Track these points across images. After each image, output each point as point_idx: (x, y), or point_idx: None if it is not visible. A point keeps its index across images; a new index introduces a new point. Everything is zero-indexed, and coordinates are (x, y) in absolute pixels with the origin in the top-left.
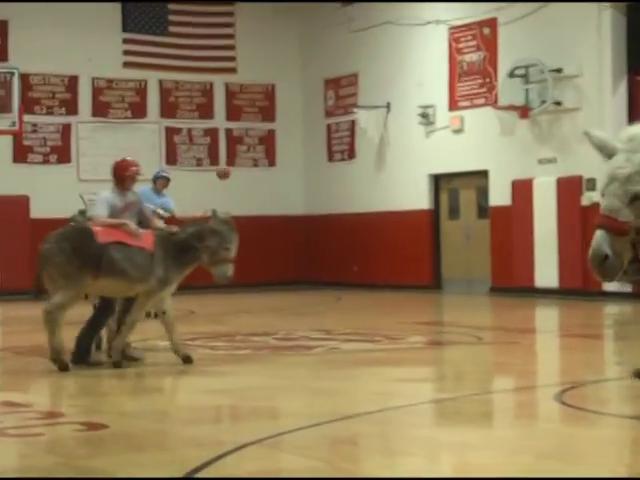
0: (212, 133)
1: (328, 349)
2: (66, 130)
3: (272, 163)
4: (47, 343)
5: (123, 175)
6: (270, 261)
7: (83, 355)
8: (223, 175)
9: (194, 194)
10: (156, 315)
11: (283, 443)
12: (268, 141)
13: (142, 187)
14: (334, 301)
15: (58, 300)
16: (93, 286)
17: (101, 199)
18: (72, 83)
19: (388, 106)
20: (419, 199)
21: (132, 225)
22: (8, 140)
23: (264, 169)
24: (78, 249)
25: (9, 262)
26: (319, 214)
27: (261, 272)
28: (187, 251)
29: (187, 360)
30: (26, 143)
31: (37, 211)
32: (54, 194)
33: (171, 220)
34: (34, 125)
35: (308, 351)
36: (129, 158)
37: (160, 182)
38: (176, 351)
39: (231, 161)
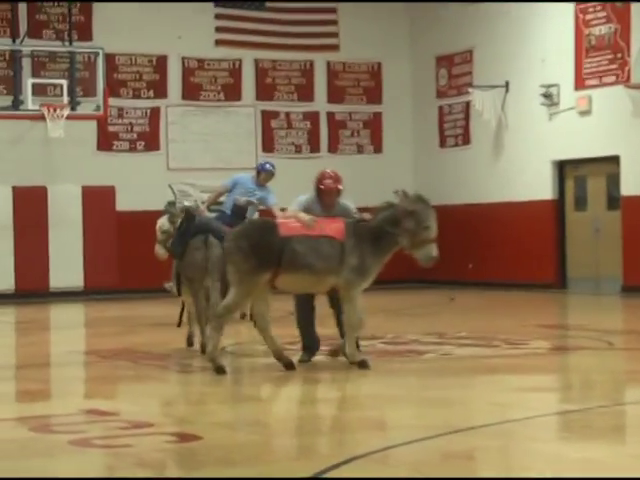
0: (312, 117)
1: (441, 354)
2: (154, 115)
3: (378, 149)
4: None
5: (318, 188)
6: None
7: (312, 351)
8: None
9: (292, 184)
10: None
11: (392, 457)
12: (374, 125)
13: (242, 174)
14: (447, 301)
15: (229, 301)
16: (276, 282)
17: (297, 201)
18: (160, 63)
19: (506, 85)
20: (541, 188)
21: (304, 215)
22: (92, 126)
23: (369, 156)
24: (257, 246)
25: (94, 259)
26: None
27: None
28: (382, 237)
29: (363, 365)
30: (111, 129)
31: (123, 203)
32: (141, 184)
33: (266, 214)
34: (120, 109)
35: (419, 356)
36: (329, 170)
37: (264, 176)
38: (350, 355)
39: (333, 147)
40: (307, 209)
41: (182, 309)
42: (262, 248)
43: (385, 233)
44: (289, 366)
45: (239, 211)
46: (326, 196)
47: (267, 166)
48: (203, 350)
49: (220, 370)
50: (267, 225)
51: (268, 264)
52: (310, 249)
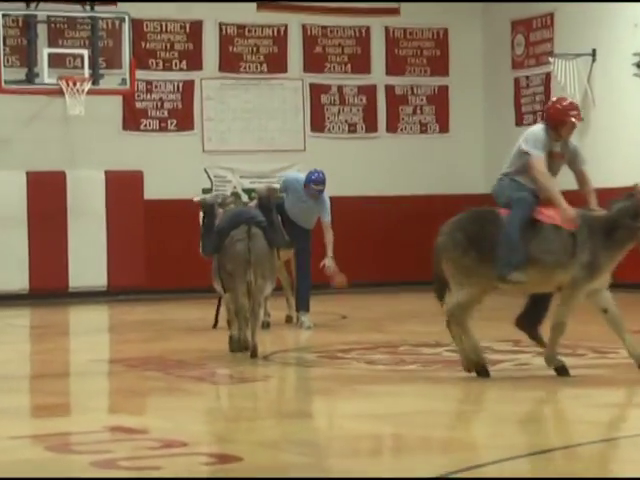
0: (368, 91)
1: (517, 364)
2: (187, 89)
3: (444, 128)
4: (460, 353)
5: (561, 120)
6: None
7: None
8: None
9: (346, 167)
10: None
11: None
12: (439, 101)
13: (292, 175)
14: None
15: (457, 299)
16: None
17: (534, 135)
18: (194, 30)
19: (593, 54)
20: (634, 173)
21: (570, 209)
22: (117, 102)
23: (434, 136)
24: (476, 238)
25: (119, 255)
26: None
27: (429, 267)
28: (617, 231)
29: (562, 371)
30: (139, 106)
31: (152, 190)
32: (173, 169)
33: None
34: (148, 83)
35: (492, 367)
36: (569, 99)
37: (311, 192)
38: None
39: (392, 126)
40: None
41: (218, 308)
42: (482, 239)
43: (621, 226)
44: (482, 372)
45: (264, 203)
46: (567, 131)
47: (314, 177)
48: (245, 347)
49: (484, 372)
50: (488, 215)
51: (490, 257)
52: (541, 240)
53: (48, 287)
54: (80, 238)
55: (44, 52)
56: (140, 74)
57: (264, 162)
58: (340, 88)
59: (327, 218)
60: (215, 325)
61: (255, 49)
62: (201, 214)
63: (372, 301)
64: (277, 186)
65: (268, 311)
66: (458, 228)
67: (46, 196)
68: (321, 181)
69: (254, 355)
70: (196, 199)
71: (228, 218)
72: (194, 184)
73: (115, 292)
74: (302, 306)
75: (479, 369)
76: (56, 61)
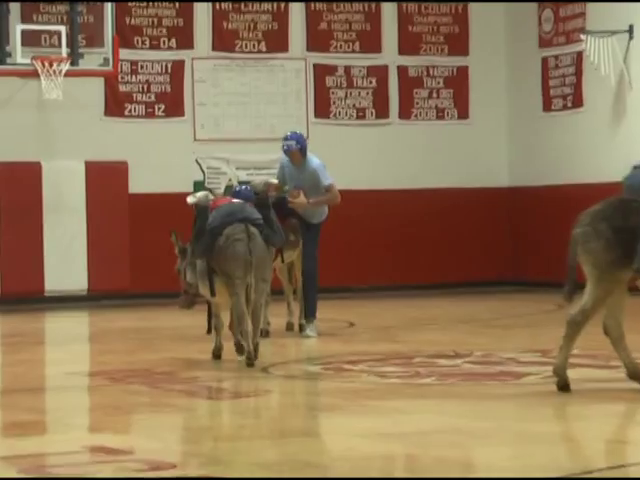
0: (379, 72)
1: (544, 377)
2: (177, 70)
3: (463, 114)
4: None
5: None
6: (459, 253)
7: None
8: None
9: (353, 158)
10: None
11: None
12: (458, 83)
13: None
14: (552, 309)
15: (586, 303)
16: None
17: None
18: (185, 5)
19: (630, 31)
20: None
21: None
22: (98, 85)
23: (452, 123)
24: (620, 230)
25: (101, 255)
26: (530, 186)
27: (447, 268)
28: None
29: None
30: (123, 89)
31: (138, 184)
32: (161, 160)
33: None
34: (133, 64)
35: (516, 380)
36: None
37: (291, 158)
38: None
39: (406, 111)
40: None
41: (210, 313)
42: (627, 234)
43: None
44: (565, 388)
45: (261, 199)
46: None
47: (285, 146)
48: (249, 358)
49: (566, 387)
50: (633, 204)
51: (632, 251)
52: None
53: (21, 291)
54: (57, 236)
55: (17, 29)
56: (124, 53)
57: (262, 152)
58: (347, 69)
59: (326, 182)
60: (209, 331)
61: (252, 25)
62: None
63: (383, 307)
64: (275, 180)
65: (268, 319)
66: (602, 218)
67: (19, 190)
68: (293, 137)
69: (254, 359)
70: (190, 200)
71: (220, 216)
72: (184, 176)
73: (96, 297)
74: (309, 312)
75: (562, 385)
76: (30, 39)
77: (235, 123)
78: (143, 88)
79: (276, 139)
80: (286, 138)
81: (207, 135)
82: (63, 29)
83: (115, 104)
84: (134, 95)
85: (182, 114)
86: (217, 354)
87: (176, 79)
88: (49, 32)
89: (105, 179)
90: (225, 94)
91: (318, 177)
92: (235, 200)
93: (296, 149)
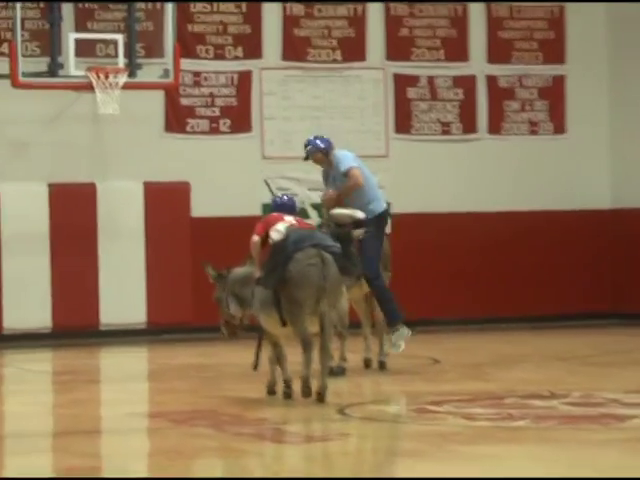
0: (466, 82)
1: None
2: (244, 82)
3: (560, 128)
4: None
5: None
6: (554, 283)
7: None
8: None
9: (437, 177)
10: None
11: None
12: (554, 94)
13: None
14: None
15: None
16: None
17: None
18: (253, 10)
19: None
20: None
21: None
22: (158, 98)
23: (547, 138)
24: None
25: (161, 285)
26: (635, 208)
27: (540, 300)
28: None
29: None
30: (184, 103)
31: (201, 206)
32: (226, 180)
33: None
34: (196, 75)
35: (619, 423)
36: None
37: (316, 160)
38: None
39: (495, 126)
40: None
41: (260, 345)
42: None
43: None
44: None
45: (344, 236)
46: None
47: (305, 154)
48: (321, 398)
49: None
50: None
51: None
52: None
53: (75, 324)
54: (113, 264)
55: (70, 38)
56: (186, 64)
57: None
58: (431, 79)
59: (343, 168)
60: (256, 366)
61: (326, 32)
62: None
63: (470, 342)
64: (361, 215)
65: (344, 354)
66: None
67: (72, 213)
68: (305, 144)
69: (322, 399)
70: (275, 236)
71: (290, 243)
72: (252, 198)
73: (156, 330)
74: (392, 318)
75: None
76: (84, 49)
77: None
78: (207, 101)
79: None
80: (305, 145)
81: (276, 153)
82: (120, 38)
83: (176, 119)
84: (197, 109)
85: (249, 130)
86: (271, 390)
87: (243, 91)
88: (105, 41)
89: (165, 201)
90: (296, 107)
91: (339, 166)
92: (286, 217)
93: (315, 152)
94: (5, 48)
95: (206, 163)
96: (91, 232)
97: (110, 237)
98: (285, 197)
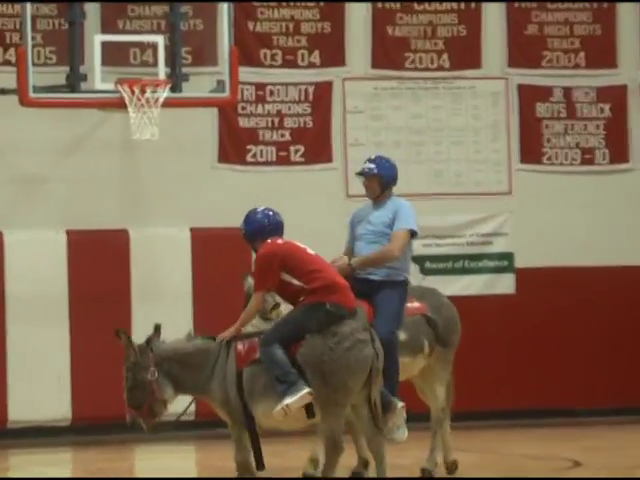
0: (614, 95)
1: None
2: (322, 96)
3: None
4: None
5: None
6: None
7: None
8: None
9: (575, 217)
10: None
11: None
12: None
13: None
14: None
15: None
16: None
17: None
18: (333, 4)
19: None
20: None
21: None
22: (209, 119)
23: None
24: None
25: None
26: None
27: None
28: None
29: None
30: (244, 124)
31: None
32: (299, 223)
33: None
34: (259, 88)
35: None
36: None
37: (368, 183)
38: None
39: None
40: None
41: (256, 441)
42: None
43: None
44: None
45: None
46: None
47: (364, 168)
48: None
49: None
50: None
51: None
52: None
53: (102, 415)
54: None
55: (95, 41)
56: (246, 73)
57: (444, 212)
58: (567, 92)
59: (404, 224)
60: (263, 465)
61: (430, 31)
62: None
63: (620, 437)
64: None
65: (435, 458)
66: None
67: (99, 268)
68: (372, 159)
69: None
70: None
71: (320, 319)
72: (333, 247)
73: (205, 423)
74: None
75: None
76: (114, 55)
77: (405, 171)
78: (273, 122)
79: (464, 194)
80: (369, 159)
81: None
82: (160, 40)
83: (233, 146)
84: (260, 133)
85: (329, 159)
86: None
87: (320, 109)
88: (140, 45)
89: (219, 253)
90: (390, 130)
91: (397, 217)
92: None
93: (375, 175)
94: (12, 55)
95: (272, 202)
96: (123, 294)
97: (148, 299)
98: (270, 210)
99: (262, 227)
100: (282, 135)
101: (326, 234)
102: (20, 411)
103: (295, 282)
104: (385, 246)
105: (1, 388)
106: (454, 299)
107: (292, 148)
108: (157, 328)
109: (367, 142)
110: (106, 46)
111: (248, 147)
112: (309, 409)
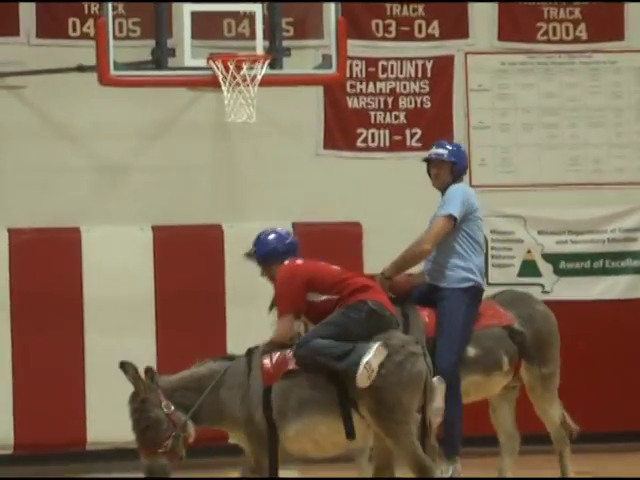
0: None
1: None
2: (442, 73)
3: None
4: None
5: None
6: None
7: None
8: None
9: None
10: None
11: None
12: None
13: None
14: None
15: None
16: None
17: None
18: None
19: None
20: None
21: None
22: (314, 98)
23: None
24: None
25: None
26: None
27: None
28: None
29: None
30: (354, 105)
31: (377, 258)
32: (415, 218)
33: None
34: (370, 63)
35: None
36: None
37: (435, 170)
38: None
39: None
40: None
41: (275, 469)
42: None
43: None
44: None
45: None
46: None
47: (431, 154)
48: None
49: None
50: None
51: None
52: None
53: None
54: (243, 338)
55: (184, 10)
56: (356, 47)
57: (583, 205)
58: None
59: (442, 210)
60: None
61: None
62: None
63: None
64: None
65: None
66: None
67: (188, 268)
68: (441, 143)
69: None
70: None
71: (364, 320)
72: None
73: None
74: (449, 447)
75: None
76: (206, 26)
77: (536, 157)
78: (386, 103)
79: (604, 184)
80: (436, 144)
81: (490, 178)
82: (258, 9)
83: (341, 130)
84: (372, 115)
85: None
86: None
87: (439, 87)
88: (236, 15)
89: (326, 250)
90: (519, 111)
91: (441, 204)
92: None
93: (445, 160)
94: (90, 27)
95: (385, 194)
96: (216, 297)
97: (244, 303)
98: (283, 230)
99: (275, 249)
100: (396, 117)
101: None
102: (97, 432)
103: (323, 297)
104: (416, 240)
105: (79, 405)
106: (592, 304)
107: (408, 132)
108: (148, 372)
109: (493, 124)
110: (197, 17)
111: (358, 131)
112: (349, 428)
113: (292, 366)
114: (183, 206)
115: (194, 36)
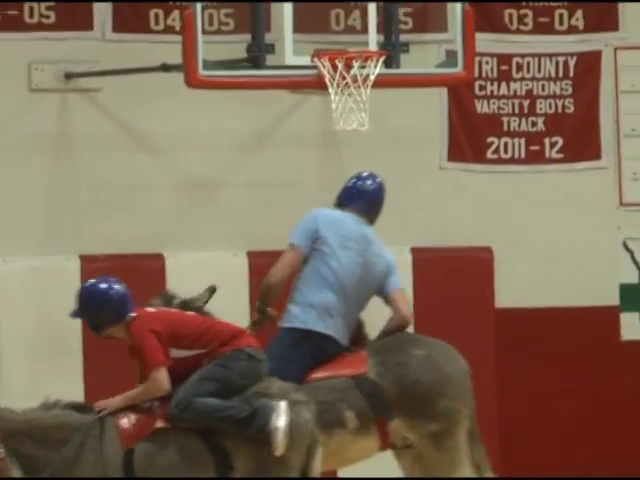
0: None
1: None
2: (587, 71)
3: None
4: None
5: None
6: None
7: None
8: None
9: None
10: None
11: None
12: None
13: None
14: None
15: None
16: None
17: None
18: None
19: None
20: None
21: None
22: (436, 100)
23: None
24: None
25: None
26: None
27: None
28: None
29: None
30: (483, 110)
31: (510, 289)
32: (555, 242)
33: None
34: (503, 61)
35: None
36: None
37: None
38: None
39: None
40: None
41: None
42: None
43: None
44: None
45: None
46: None
47: (363, 183)
48: None
49: None
50: None
51: None
52: None
53: None
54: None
55: (286, 5)
56: (486, 41)
57: None
58: None
59: (398, 284)
60: None
61: None
62: None
63: None
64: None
65: None
66: None
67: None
68: (373, 179)
69: None
70: None
71: (244, 369)
72: (603, 276)
73: None
74: None
75: None
76: (310, 19)
77: None
78: (521, 107)
79: None
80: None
81: None
82: (372, 2)
83: (469, 139)
84: (505, 121)
85: (596, 155)
86: None
87: (584, 88)
88: (345, 6)
89: (451, 279)
90: None
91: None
92: None
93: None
94: (176, 20)
95: (521, 214)
96: None
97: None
98: (109, 281)
99: (108, 304)
100: (533, 124)
101: (596, 254)
102: None
103: (190, 353)
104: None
105: None
106: None
107: (547, 141)
108: None
109: None
110: (300, 7)
111: (488, 140)
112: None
113: (161, 424)
114: (283, 229)
115: (296, 30)
